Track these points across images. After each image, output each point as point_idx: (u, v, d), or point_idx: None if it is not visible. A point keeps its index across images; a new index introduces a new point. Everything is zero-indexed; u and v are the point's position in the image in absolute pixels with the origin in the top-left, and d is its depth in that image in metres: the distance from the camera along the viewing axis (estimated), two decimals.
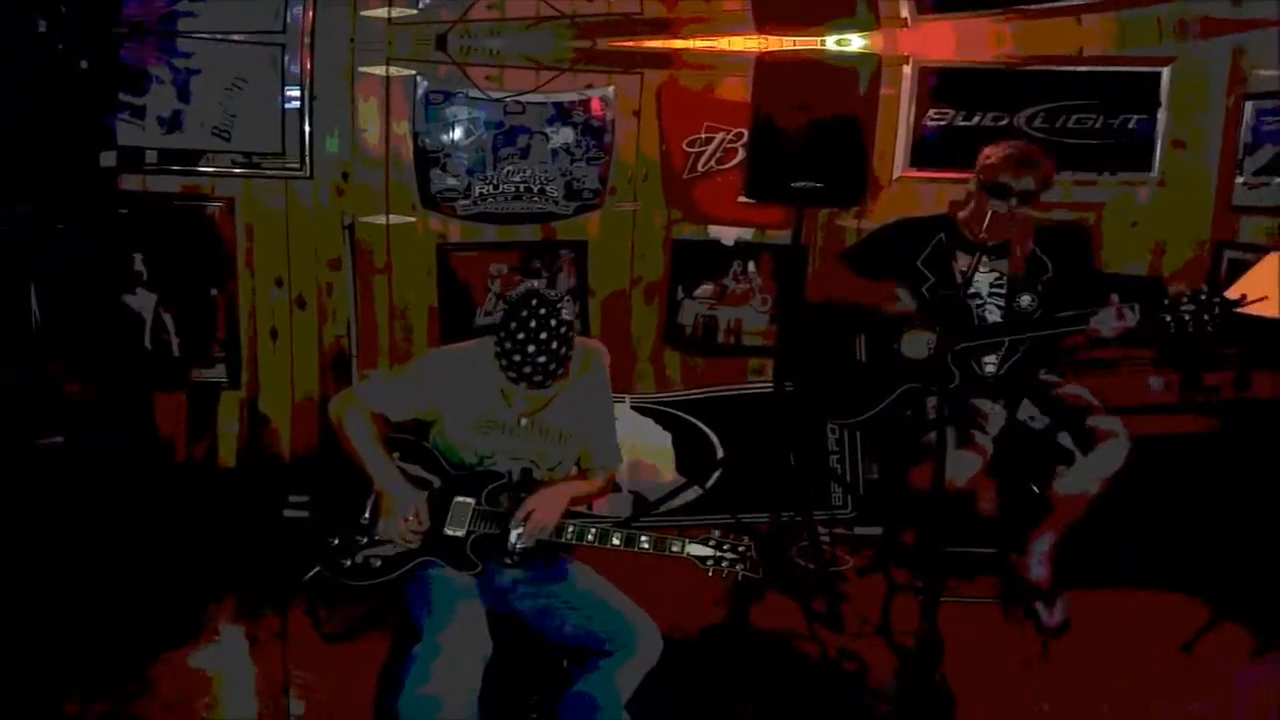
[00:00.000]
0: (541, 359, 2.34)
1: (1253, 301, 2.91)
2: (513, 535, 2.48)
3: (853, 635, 3.26)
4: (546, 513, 2.49)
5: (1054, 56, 4.21)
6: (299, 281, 4.10)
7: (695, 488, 4.13)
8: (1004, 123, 4.22)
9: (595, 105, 4.19)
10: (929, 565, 2.82)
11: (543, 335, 2.35)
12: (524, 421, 2.57)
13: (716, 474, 4.19)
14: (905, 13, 4.11)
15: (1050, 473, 3.18)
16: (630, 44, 4.11)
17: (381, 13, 3.90)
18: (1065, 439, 3.15)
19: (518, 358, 2.35)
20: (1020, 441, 3.27)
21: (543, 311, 2.37)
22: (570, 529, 2.51)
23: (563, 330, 2.37)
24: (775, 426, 3.76)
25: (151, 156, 3.88)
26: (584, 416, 2.65)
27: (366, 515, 2.55)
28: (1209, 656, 3.12)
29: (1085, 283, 3.22)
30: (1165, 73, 4.21)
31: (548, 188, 4.21)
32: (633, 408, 4.21)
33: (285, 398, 4.17)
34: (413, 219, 4.10)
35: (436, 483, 2.57)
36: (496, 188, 4.16)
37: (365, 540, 2.52)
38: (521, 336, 2.35)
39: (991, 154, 3.20)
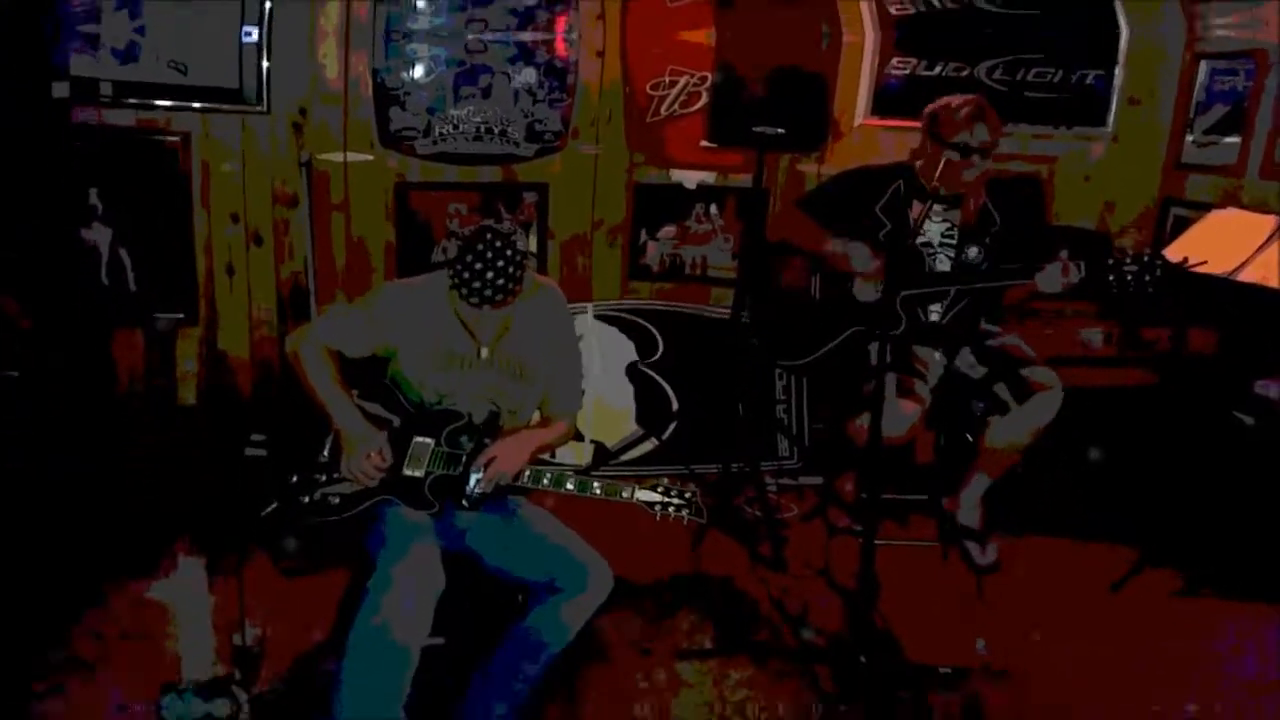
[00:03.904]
0: (500, 280, 2.42)
1: (1196, 264, 2.97)
2: (471, 480, 2.52)
3: (795, 577, 3.38)
4: (508, 462, 2.52)
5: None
6: (255, 218, 4.05)
7: (652, 439, 4.20)
8: (964, 74, 4.25)
9: (559, 45, 4.15)
10: (866, 510, 2.92)
11: (499, 263, 2.42)
12: (484, 352, 2.61)
13: (672, 426, 4.26)
14: None
15: (984, 421, 3.29)
16: None
17: None
18: (1001, 390, 3.24)
19: (477, 284, 2.41)
20: (957, 391, 3.35)
21: (498, 244, 2.43)
22: (526, 473, 2.55)
23: (517, 257, 2.45)
24: (726, 373, 3.81)
25: (106, 89, 3.79)
26: (545, 351, 2.68)
27: (325, 453, 2.57)
28: (1138, 596, 3.28)
29: (1033, 237, 3.30)
30: (1124, 28, 4.26)
31: (509, 129, 4.18)
32: (595, 317, 4.25)
33: (244, 334, 4.14)
34: (370, 157, 4.06)
35: (395, 421, 2.60)
36: (456, 128, 4.13)
37: (324, 478, 2.55)
38: (479, 266, 2.41)
39: (942, 111, 3.24)
